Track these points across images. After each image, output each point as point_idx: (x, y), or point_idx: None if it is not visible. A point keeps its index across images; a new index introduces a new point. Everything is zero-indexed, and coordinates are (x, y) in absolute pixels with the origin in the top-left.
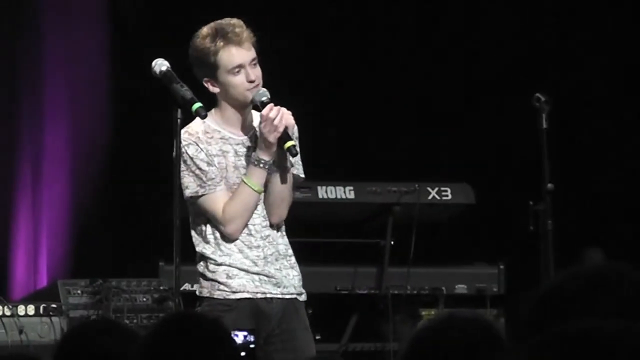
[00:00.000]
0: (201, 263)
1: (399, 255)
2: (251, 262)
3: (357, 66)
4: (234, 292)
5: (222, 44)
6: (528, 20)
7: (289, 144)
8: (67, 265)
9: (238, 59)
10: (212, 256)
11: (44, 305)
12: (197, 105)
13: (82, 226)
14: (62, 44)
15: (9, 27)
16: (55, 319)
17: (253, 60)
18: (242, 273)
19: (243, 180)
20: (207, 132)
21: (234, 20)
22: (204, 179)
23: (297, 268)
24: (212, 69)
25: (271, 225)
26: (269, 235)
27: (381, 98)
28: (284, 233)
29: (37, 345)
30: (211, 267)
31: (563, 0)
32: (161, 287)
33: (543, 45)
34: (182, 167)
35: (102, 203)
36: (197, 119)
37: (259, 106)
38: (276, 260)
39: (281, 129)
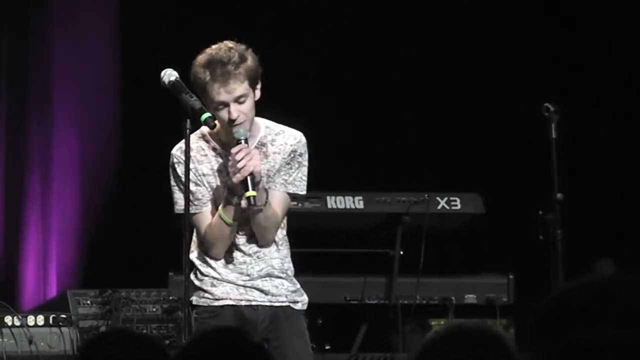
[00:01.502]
0: (193, 271)
1: (409, 265)
2: (234, 277)
3: (367, 75)
4: (217, 300)
5: (208, 78)
6: (539, 29)
7: (248, 193)
8: (77, 276)
9: (220, 97)
10: (199, 267)
11: (53, 315)
12: (206, 115)
13: (91, 236)
14: (71, 54)
15: (18, 38)
16: (64, 330)
17: (239, 97)
18: (226, 282)
19: (219, 211)
20: (202, 150)
21: (229, 53)
22: (191, 198)
23: (293, 280)
24: (203, 96)
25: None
26: (258, 252)
27: (391, 107)
28: (281, 247)
29: (47, 356)
30: (199, 276)
31: (575, 9)
32: (171, 298)
33: (553, 54)
34: (172, 182)
35: (112, 213)
36: (197, 132)
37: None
38: (267, 274)
39: (245, 173)
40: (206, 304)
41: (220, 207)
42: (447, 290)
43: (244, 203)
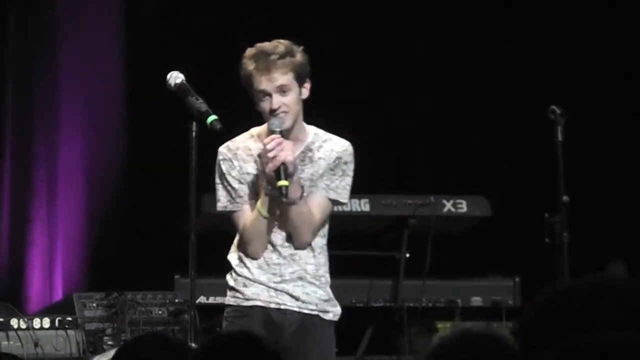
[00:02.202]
0: (229, 272)
1: (415, 268)
2: (266, 279)
3: (372, 78)
4: (247, 300)
5: (252, 68)
6: (544, 34)
7: (280, 183)
8: (83, 278)
9: (262, 85)
10: (235, 267)
11: (59, 318)
12: (212, 118)
13: (97, 239)
14: (77, 58)
15: (24, 42)
16: (70, 332)
17: (282, 87)
18: (258, 282)
19: (257, 205)
20: (249, 149)
21: (275, 46)
22: (233, 195)
23: (327, 289)
24: (249, 89)
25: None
26: (294, 254)
27: (396, 110)
28: (318, 255)
29: (53, 358)
30: (234, 275)
31: (582, 14)
32: (176, 300)
33: (559, 57)
34: (217, 179)
35: (117, 216)
36: (249, 132)
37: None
38: (299, 278)
39: (276, 163)
40: (236, 304)
41: (259, 201)
42: (453, 293)
43: (276, 193)
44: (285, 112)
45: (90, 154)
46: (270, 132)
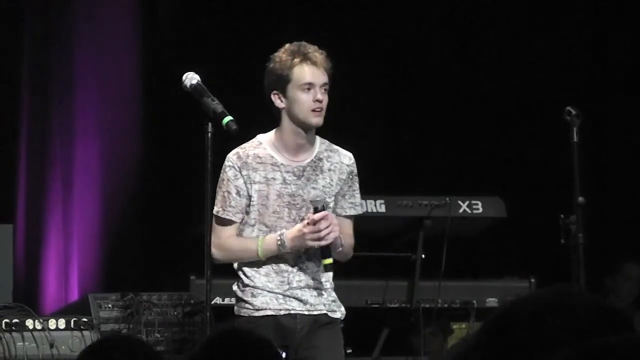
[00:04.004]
0: (236, 282)
1: (430, 269)
2: (274, 286)
3: (388, 79)
4: (257, 310)
5: (299, 60)
6: (559, 36)
7: (327, 261)
8: (98, 279)
9: (311, 77)
10: (242, 278)
11: (75, 319)
12: (228, 118)
13: (113, 240)
14: (93, 58)
15: (40, 42)
16: (86, 333)
17: (324, 84)
18: (266, 292)
19: (258, 242)
20: (259, 157)
21: (317, 48)
22: (227, 203)
23: (331, 292)
24: (283, 82)
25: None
26: (302, 265)
27: (411, 112)
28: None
29: (68, 359)
30: (241, 287)
31: (596, 16)
32: (192, 301)
33: (574, 60)
34: (219, 182)
35: (133, 217)
36: (255, 139)
37: (313, 208)
38: (306, 285)
39: (324, 243)
40: (247, 315)
41: (259, 240)
42: (468, 294)
43: (322, 269)
44: (322, 109)
45: (105, 154)
46: (311, 202)
